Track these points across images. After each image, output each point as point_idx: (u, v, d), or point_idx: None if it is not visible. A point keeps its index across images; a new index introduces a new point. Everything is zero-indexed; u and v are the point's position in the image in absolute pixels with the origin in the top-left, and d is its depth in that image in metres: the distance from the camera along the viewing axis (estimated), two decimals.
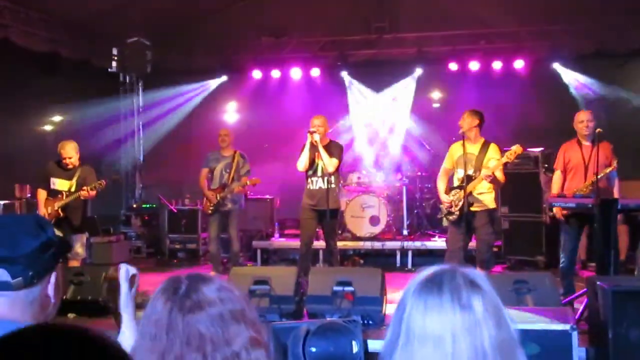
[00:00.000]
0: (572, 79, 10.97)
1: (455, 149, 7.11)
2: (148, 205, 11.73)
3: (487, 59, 10.91)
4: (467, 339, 1.32)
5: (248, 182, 8.70)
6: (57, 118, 11.32)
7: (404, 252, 9.63)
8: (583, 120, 6.59)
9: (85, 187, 7.33)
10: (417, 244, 9.60)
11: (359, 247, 9.82)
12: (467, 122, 6.93)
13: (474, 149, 6.89)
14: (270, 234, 10.56)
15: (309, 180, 7.62)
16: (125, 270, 2.28)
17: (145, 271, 9.78)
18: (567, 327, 4.19)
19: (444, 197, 7.04)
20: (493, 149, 6.93)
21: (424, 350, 1.33)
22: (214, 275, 1.56)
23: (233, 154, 8.89)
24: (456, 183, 7.01)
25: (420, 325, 1.35)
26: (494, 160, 6.85)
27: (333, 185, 7.53)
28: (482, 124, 6.98)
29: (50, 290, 1.82)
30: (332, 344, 4.92)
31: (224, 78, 12.27)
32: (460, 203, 6.79)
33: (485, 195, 6.88)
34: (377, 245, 9.71)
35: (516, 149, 6.69)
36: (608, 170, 6.42)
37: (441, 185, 7.18)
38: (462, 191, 6.78)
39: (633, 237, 8.32)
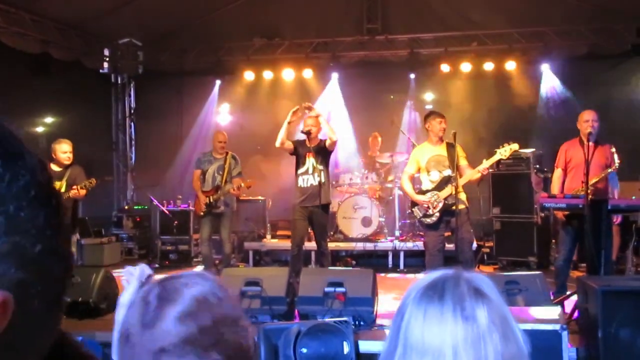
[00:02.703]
0: (550, 83, 11.05)
1: (421, 153, 7.10)
2: (140, 207, 11.70)
3: (478, 61, 10.93)
4: (470, 354, 1.20)
5: (242, 184, 8.67)
6: (48, 119, 11.29)
7: (395, 253, 9.64)
8: (588, 120, 6.48)
9: (75, 186, 7.29)
10: (409, 245, 9.59)
11: (351, 248, 9.81)
12: (444, 125, 6.99)
13: (441, 150, 6.92)
14: (262, 236, 10.54)
15: (300, 178, 7.60)
16: (141, 270, 2.17)
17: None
18: (557, 327, 4.21)
19: (422, 198, 6.95)
20: (459, 148, 6.98)
21: None
22: (192, 284, 1.39)
23: (225, 156, 8.88)
24: (429, 186, 6.98)
25: (419, 337, 1.24)
26: (463, 158, 6.92)
27: (324, 181, 7.51)
28: None
29: None
30: (323, 344, 4.92)
31: (218, 80, 12.25)
32: (441, 205, 6.81)
33: (462, 194, 6.91)
34: (369, 246, 9.70)
35: (513, 146, 6.68)
36: (607, 171, 6.41)
37: (410, 189, 7.11)
38: (440, 193, 6.82)
39: (624, 237, 8.36)
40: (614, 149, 6.50)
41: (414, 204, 7.07)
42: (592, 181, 6.17)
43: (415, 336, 1.24)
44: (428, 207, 6.89)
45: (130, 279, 2.04)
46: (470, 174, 6.79)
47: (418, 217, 7.09)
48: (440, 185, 6.86)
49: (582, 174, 6.37)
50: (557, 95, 10.98)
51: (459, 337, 1.20)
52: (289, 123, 7.45)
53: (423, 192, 7.00)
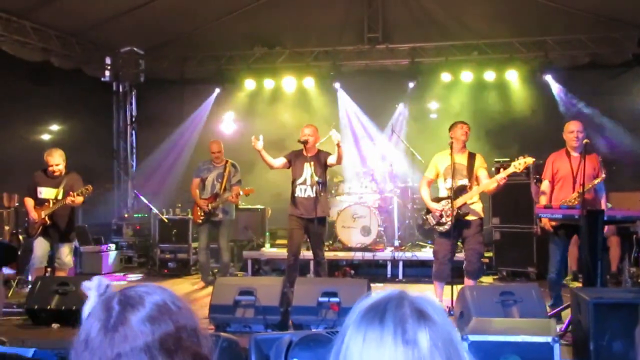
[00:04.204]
0: (560, 92, 10.98)
1: (441, 160, 7.06)
2: (139, 215, 11.70)
3: (479, 70, 10.90)
4: None
5: (242, 192, 8.66)
6: (49, 127, 11.31)
7: (395, 262, 9.58)
8: (573, 131, 6.54)
9: (71, 193, 7.27)
10: (408, 255, 9.53)
11: (350, 257, 9.74)
12: (466, 129, 6.91)
13: (462, 159, 6.87)
14: (261, 244, 10.50)
15: (298, 188, 7.58)
16: (99, 281, 2.15)
17: (136, 281, 9.81)
18: (548, 339, 4.15)
19: (435, 205, 6.91)
20: (479, 158, 6.97)
21: None
22: (152, 292, 1.40)
23: (225, 164, 8.91)
24: (444, 193, 6.95)
25: None
26: (483, 169, 6.88)
27: (321, 193, 7.50)
28: None
29: None
30: (315, 355, 4.88)
31: (217, 88, 12.24)
32: (454, 213, 6.75)
33: (477, 205, 6.86)
34: (368, 255, 9.64)
35: (527, 159, 6.62)
36: (596, 182, 6.38)
37: (426, 194, 7.07)
38: (454, 201, 6.71)
39: (624, 248, 8.30)
40: (600, 159, 6.50)
41: (429, 210, 7.05)
42: (579, 192, 6.15)
43: None
44: (441, 215, 6.86)
45: (89, 292, 2.02)
46: (486, 185, 6.74)
47: (431, 224, 7.05)
48: (456, 194, 6.79)
49: (570, 185, 6.36)
50: (558, 105, 10.92)
51: None
52: (259, 152, 7.51)
53: (439, 200, 6.97)
